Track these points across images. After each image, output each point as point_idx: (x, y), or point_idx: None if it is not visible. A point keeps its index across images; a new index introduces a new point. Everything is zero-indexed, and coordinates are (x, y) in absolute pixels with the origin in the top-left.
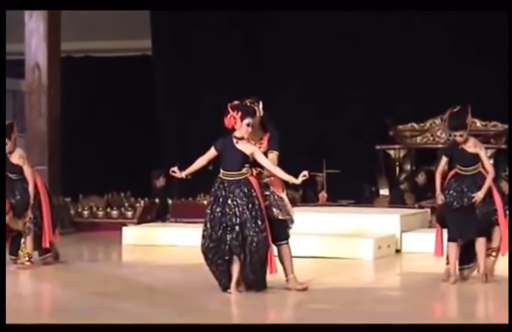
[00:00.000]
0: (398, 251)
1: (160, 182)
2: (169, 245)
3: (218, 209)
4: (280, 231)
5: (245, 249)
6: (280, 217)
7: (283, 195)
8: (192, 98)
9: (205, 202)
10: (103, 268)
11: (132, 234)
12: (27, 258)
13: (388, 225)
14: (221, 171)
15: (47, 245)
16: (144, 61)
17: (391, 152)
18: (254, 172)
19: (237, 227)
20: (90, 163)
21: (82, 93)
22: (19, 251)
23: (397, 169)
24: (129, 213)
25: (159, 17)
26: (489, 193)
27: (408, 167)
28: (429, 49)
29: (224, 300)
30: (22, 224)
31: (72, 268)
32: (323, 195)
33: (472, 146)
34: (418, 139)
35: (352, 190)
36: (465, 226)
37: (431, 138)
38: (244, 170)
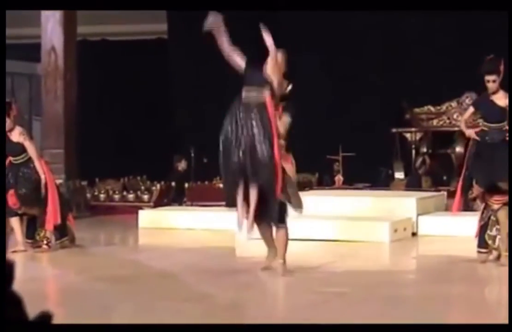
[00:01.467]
0: (414, 234)
1: (182, 165)
2: (185, 229)
3: (232, 128)
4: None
5: (253, 171)
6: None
7: (292, 177)
8: (208, 81)
9: (221, 185)
10: (119, 252)
11: (148, 217)
12: (45, 242)
13: (404, 208)
14: (244, 90)
15: (51, 228)
16: (159, 44)
17: (407, 135)
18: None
19: (247, 150)
20: (106, 146)
21: (98, 76)
22: (36, 235)
23: (413, 152)
24: (145, 197)
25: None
26: None
27: (424, 150)
28: (445, 32)
29: (236, 285)
30: (38, 209)
31: (88, 252)
32: (339, 178)
33: (502, 97)
34: (435, 122)
35: (368, 174)
36: (492, 171)
37: (448, 121)
38: (262, 93)
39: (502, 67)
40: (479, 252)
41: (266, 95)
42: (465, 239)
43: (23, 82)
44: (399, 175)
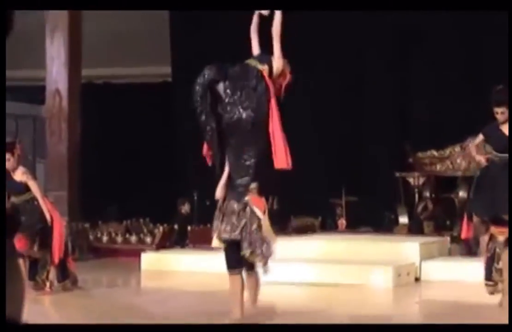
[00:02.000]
0: (417, 279)
1: (185, 208)
2: (187, 271)
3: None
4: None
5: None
6: (247, 255)
7: (262, 221)
8: None
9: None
10: (121, 295)
11: (150, 260)
12: (48, 285)
13: (408, 253)
14: None
15: (56, 262)
16: (164, 87)
17: (410, 180)
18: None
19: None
20: (109, 189)
21: (102, 118)
22: (37, 277)
23: (416, 196)
24: (148, 239)
25: (179, 43)
26: None
27: (427, 194)
28: (449, 77)
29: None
30: (42, 251)
31: (90, 295)
32: (342, 222)
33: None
34: (438, 166)
35: (371, 218)
36: (495, 203)
37: (451, 166)
38: (261, 66)
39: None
40: (486, 285)
41: (265, 67)
42: (469, 285)
43: (27, 124)
44: (403, 219)
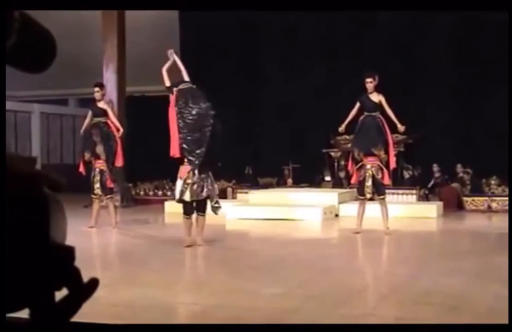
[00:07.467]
0: (337, 215)
1: None
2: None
3: None
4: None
5: None
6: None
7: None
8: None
9: (226, 184)
10: (151, 227)
11: (171, 206)
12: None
13: (331, 199)
14: None
15: (117, 165)
16: None
17: (332, 153)
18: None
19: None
20: (145, 161)
21: (139, 119)
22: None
23: (336, 164)
24: (169, 193)
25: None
26: (384, 127)
27: (342, 162)
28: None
29: (226, 247)
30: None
31: (130, 228)
32: (289, 181)
33: (375, 96)
34: (349, 145)
35: (308, 177)
36: (368, 142)
37: None
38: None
39: (377, 78)
40: (359, 198)
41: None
42: (370, 218)
43: None
44: (327, 178)
